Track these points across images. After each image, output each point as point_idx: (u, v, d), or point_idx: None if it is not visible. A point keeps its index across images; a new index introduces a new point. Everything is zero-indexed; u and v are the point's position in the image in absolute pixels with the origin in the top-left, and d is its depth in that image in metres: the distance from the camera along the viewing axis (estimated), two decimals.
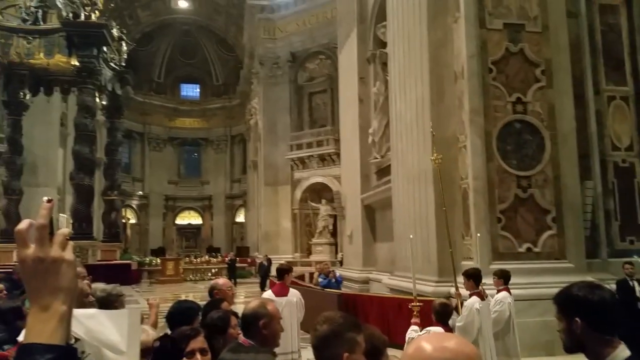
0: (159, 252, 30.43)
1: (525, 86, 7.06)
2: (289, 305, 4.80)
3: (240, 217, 38.72)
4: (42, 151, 22.08)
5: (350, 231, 14.96)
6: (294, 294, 4.96)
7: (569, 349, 1.58)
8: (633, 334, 1.51)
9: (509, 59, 7.15)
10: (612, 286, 6.00)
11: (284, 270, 5.08)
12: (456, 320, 4.58)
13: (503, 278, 5.20)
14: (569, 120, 7.12)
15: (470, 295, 4.73)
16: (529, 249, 6.69)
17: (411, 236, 5.61)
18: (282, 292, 4.88)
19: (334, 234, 22.90)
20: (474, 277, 4.82)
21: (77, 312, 0.97)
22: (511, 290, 5.28)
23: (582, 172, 7.24)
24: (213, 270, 23.15)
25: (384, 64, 11.93)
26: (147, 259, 24.90)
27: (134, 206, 36.54)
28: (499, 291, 5.22)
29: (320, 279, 11.53)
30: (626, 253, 7.36)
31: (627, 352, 1.44)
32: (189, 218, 39.86)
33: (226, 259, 23.75)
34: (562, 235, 6.75)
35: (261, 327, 2.29)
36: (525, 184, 6.81)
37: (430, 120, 7.72)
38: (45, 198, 0.84)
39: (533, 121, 6.97)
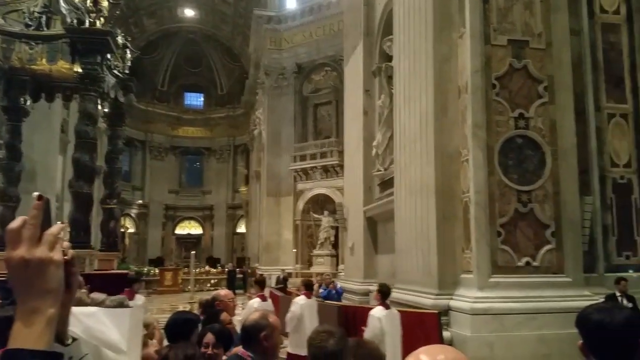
0: (157, 262, 30.37)
1: (527, 102, 7.12)
2: (137, 307, 5.80)
3: (241, 228, 38.68)
4: (41, 158, 22.11)
5: (352, 243, 14.94)
6: (139, 298, 6.54)
7: None
8: None
9: (512, 74, 7.21)
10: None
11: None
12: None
13: (381, 293, 6.03)
14: (569, 136, 7.16)
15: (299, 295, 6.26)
16: (527, 263, 6.70)
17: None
18: (130, 297, 6.28)
19: (335, 245, 22.87)
20: (306, 286, 7.01)
21: (76, 310, 0.96)
22: (511, 304, 5.48)
23: (582, 188, 7.27)
24: (212, 281, 23.09)
25: (390, 77, 12.01)
26: (145, 268, 24.85)
27: (132, 215, 36.55)
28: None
29: (321, 290, 11.51)
30: (622, 268, 7.39)
31: None
32: (189, 228, 39.82)
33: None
34: (561, 250, 6.77)
35: (262, 339, 2.28)
36: (526, 198, 6.84)
37: (434, 134, 7.77)
38: (36, 194, 0.79)
39: (534, 137, 7.01)
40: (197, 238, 39.13)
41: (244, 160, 38.36)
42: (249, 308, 5.90)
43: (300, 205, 25.02)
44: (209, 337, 2.76)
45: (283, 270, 20.33)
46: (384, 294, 6.00)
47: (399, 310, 7.74)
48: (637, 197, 7.87)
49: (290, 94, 25.94)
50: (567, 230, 6.85)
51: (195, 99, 41.25)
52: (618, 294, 6.56)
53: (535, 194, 6.88)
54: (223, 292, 3.94)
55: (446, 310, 6.98)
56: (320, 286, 12.31)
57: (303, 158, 24.90)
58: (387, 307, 5.90)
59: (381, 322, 5.65)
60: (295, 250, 23.87)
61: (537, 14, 7.34)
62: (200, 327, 3.05)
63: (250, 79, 32.02)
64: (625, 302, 6.38)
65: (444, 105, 7.82)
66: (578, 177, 7.17)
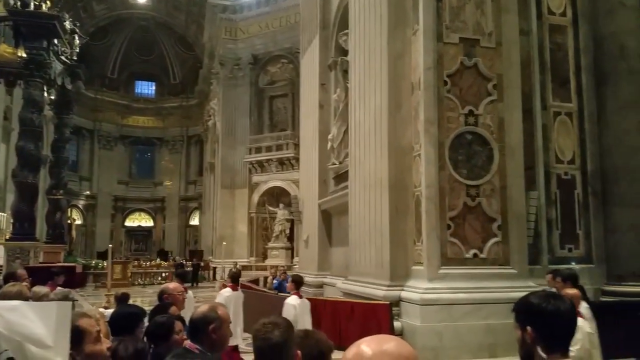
0: (106, 254, 29.35)
1: (477, 99, 7.33)
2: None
3: (194, 220, 37.97)
4: None
5: (307, 236, 14.98)
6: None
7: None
8: None
9: (463, 72, 7.39)
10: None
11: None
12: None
13: (295, 282, 6.39)
14: (517, 134, 7.44)
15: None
16: (475, 255, 6.94)
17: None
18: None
19: (290, 238, 22.86)
20: (232, 278, 7.08)
21: None
22: (459, 295, 5.59)
23: (527, 183, 7.58)
24: (163, 274, 22.59)
25: (345, 72, 12.06)
26: (93, 261, 24.04)
27: (80, 206, 35.15)
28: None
29: (274, 282, 11.49)
30: (565, 260, 7.79)
31: None
32: (140, 220, 38.70)
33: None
34: (507, 243, 7.05)
35: (210, 331, 2.24)
36: (474, 192, 7.07)
37: (388, 129, 7.87)
38: None
39: (483, 133, 7.24)
40: (148, 230, 38.12)
41: (198, 151, 37.60)
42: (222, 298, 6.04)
43: (256, 197, 24.83)
44: (180, 325, 2.80)
45: (236, 263, 20.14)
46: (297, 283, 6.37)
47: (351, 301, 7.87)
48: (579, 193, 8.30)
49: (245, 85, 25.60)
50: (513, 223, 7.13)
51: (146, 88, 39.99)
52: None
53: (483, 188, 7.11)
54: (172, 285, 3.83)
55: (397, 301, 7.13)
56: (274, 278, 12.28)
57: (258, 150, 24.68)
58: (300, 296, 6.25)
59: (296, 309, 5.95)
60: (225, 243, 23.60)
61: (488, 14, 7.56)
62: (145, 321, 2.98)
63: (205, 68, 31.36)
64: None
65: (397, 101, 7.94)
66: (524, 172, 7.46)
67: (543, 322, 1.44)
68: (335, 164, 12.82)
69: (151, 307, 3.71)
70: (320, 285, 12.75)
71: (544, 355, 1.42)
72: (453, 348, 6.35)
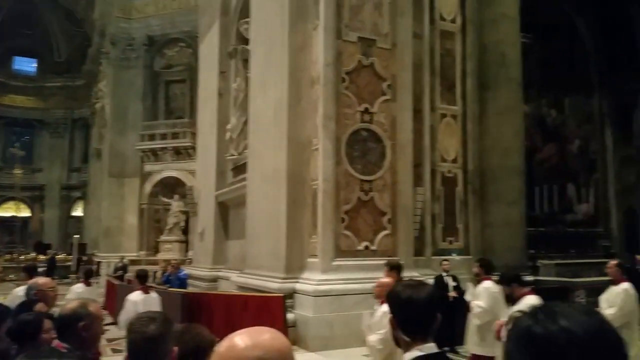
0: None
1: (372, 98, 7.61)
2: None
3: (78, 211, 35.15)
4: None
5: (202, 228, 14.54)
6: None
7: (397, 345, 1.62)
8: (440, 329, 1.59)
9: (360, 71, 7.63)
10: (431, 281, 6.73)
11: None
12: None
13: (138, 277, 6.15)
14: (407, 133, 7.85)
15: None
16: (366, 247, 7.23)
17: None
18: None
19: (185, 231, 22.05)
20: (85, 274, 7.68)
21: None
22: (351, 285, 5.80)
23: (415, 180, 8.06)
24: (40, 269, 20.61)
25: (245, 61, 11.84)
26: None
27: None
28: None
29: (163, 276, 10.98)
30: (446, 252, 8.42)
31: (418, 353, 1.49)
32: (14, 210, 34.94)
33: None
34: (395, 235, 7.44)
35: (81, 329, 2.09)
36: (367, 187, 7.35)
37: (287, 122, 7.86)
38: None
39: (377, 130, 7.54)
40: (24, 221, 34.52)
41: (84, 136, 34.75)
42: (13, 296, 5.30)
43: (148, 187, 23.53)
44: (49, 323, 2.55)
45: (122, 257, 18.98)
46: (140, 277, 6.11)
47: (245, 295, 7.78)
48: (460, 190, 8.99)
49: (139, 67, 24.08)
50: (401, 217, 7.53)
51: (26, 65, 36.02)
52: (444, 273, 7.34)
53: (375, 183, 7.43)
54: (41, 280, 3.47)
55: (292, 293, 7.18)
56: (163, 273, 11.75)
57: (152, 137, 23.38)
58: (146, 291, 5.99)
59: (137, 305, 5.64)
60: (60, 237, 22.18)
61: (385, 16, 7.86)
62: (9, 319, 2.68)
63: (94, 47, 28.99)
64: (450, 281, 7.17)
65: (297, 94, 7.96)
66: (412, 169, 7.90)
67: (401, 309, 1.56)
68: (234, 155, 12.57)
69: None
70: (215, 280, 12.46)
71: (407, 339, 1.52)
72: (343, 337, 6.54)
